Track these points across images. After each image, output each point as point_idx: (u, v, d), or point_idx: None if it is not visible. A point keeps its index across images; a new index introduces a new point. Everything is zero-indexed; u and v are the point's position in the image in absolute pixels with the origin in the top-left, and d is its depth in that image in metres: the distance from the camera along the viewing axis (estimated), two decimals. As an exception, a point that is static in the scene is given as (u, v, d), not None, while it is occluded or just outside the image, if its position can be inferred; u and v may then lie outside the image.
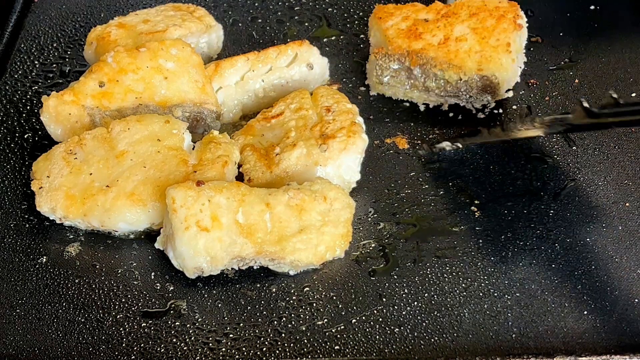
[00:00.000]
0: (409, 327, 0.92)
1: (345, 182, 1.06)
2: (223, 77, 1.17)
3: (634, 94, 1.18)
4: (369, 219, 1.04)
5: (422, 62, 1.15)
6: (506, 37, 1.15)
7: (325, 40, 1.31)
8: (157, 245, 1.00)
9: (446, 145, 1.12)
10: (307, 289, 0.97)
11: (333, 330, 0.93)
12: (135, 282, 0.98)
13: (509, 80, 1.17)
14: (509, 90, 1.19)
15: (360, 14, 1.36)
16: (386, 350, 0.90)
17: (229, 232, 0.95)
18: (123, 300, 0.96)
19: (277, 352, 0.91)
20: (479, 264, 0.98)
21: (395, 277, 0.98)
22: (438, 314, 0.93)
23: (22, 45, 1.32)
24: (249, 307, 0.95)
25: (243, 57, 1.18)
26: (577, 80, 1.21)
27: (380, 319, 0.93)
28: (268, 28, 1.34)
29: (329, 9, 1.37)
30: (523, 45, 1.20)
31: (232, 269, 0.98)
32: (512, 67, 1.16)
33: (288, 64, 1.19)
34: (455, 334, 0.91)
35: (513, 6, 1.19)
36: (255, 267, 0.99)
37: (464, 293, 0.95)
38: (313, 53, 1.20)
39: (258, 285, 0.97)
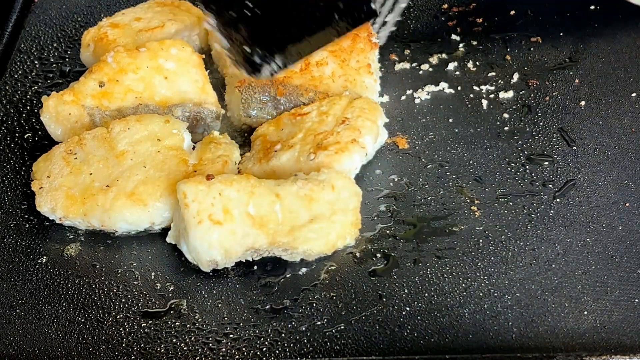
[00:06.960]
0: (409, 327, 0.92)
1: None
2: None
3: (633, 94, 1.18)
4: (369, 219, 1.04)
5: (288, 92, 1.11)
6: (365, 57, 1.14)
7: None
8: (168, 239, 1.00)
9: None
10: (307, 289, 0.97)
11: (333, 330, 0.92)
12: (135, 282, 0.98)
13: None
14: (508, 90, 1.20)
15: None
16: (386, 350, 0.90)
17: (242, 225, 0.95)
18: (123, 300, 0.96)
19: (277, 352, 0.91)
20: (479, 264, 0.98)
21: (395, 277, 0.97)
22: (438, 314, 0.93)
23: (22, 45, 1.32)
24: (249, 307, 0.95)
25: None
26: (577, 80, 1.21)
27: (380, 319, 0.93)
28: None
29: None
30: (377, 60, 1.18)
31: (246, 260, 0.98)
32: (375, 87, 1.15)
33: None
34: (455, 334, 0.91)
35: (365, 24, 1.13)
36: (268, 255, 0.98)
37: (464, 293, 0.95)
38: None
39: (258, 285, 0.97)
